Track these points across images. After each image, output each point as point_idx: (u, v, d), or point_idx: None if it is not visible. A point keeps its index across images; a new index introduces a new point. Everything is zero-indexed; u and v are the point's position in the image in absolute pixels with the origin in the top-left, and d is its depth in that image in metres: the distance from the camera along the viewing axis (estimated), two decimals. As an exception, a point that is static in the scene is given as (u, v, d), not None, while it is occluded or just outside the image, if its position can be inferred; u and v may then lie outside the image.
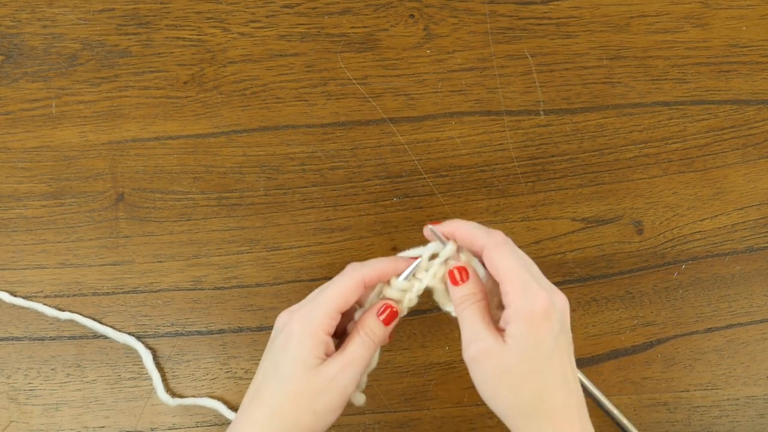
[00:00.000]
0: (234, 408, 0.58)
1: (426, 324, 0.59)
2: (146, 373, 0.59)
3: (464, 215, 0.60)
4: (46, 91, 0.59)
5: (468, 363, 0.45)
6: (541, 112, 0.60)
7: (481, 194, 0.60)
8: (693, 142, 0.61)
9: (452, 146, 0.60)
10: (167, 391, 0.59)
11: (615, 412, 0.58)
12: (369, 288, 0.49)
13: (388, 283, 0.48)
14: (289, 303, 0.59)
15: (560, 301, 0.45)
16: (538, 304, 0.43)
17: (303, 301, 0.48)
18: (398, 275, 0.48)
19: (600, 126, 0.60)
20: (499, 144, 0.60)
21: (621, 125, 0.60)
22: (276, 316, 0.60)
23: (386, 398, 0.60)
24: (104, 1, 0.59)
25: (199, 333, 0.59)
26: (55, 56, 0.59)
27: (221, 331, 0.59)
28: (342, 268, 0.60)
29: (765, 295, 0.61)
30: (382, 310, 0.47)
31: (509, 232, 0.60)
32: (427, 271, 0.48)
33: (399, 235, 0.60)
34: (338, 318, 0.47)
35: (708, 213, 0.61)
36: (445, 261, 0.47)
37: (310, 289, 0.60)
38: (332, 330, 0.47)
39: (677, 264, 0.61)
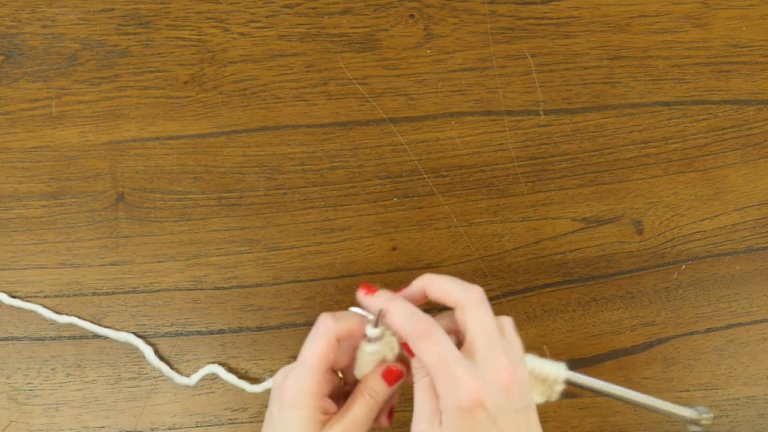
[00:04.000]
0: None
1: (426, 324, 0.59)
2: (146, 373, 0.59)
3: (464, 215, 0.60)
4: (46, 91, 0.59)
5: None
6: (541, 112, 0.60)
7: (481, 194, 0.60)
8: (693, 142, 0.61)
9: (452, 146, 0.60)
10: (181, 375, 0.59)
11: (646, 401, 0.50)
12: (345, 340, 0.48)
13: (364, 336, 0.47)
14: (289, 303, 0.60)
15: (507, 377, 0.43)
16: (464, 399, 0.42)
17: (294, 363, 0.47)
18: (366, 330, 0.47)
19: (600, 126, 0.60)
20: (499, 144, 0.60)
21: (621, 125, 0.60)
22: (276, 316, 0.60)
23: (386, 398, 0.60)
24: (104, 1, 0.59)
25: (199, 333, 0.59)
26: (55, 56, 0.59)
27: (221, 331, 0.59)
28: (342, 268, 0.60)
29: (765, 295, 0.61)
30: (386, 372, 0.47)
31: (509, 233, 0.60)
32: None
33: (399, 235, 0.60)
34: (327, 376, 0.46)
35: (708, 213, 0.61)
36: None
37: (310, 289, 0.60)
38: (326, 390, 0.46)
39: (677, 264, 0.61)
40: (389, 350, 0.47)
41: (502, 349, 0.44)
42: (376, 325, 0.46)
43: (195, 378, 0.58)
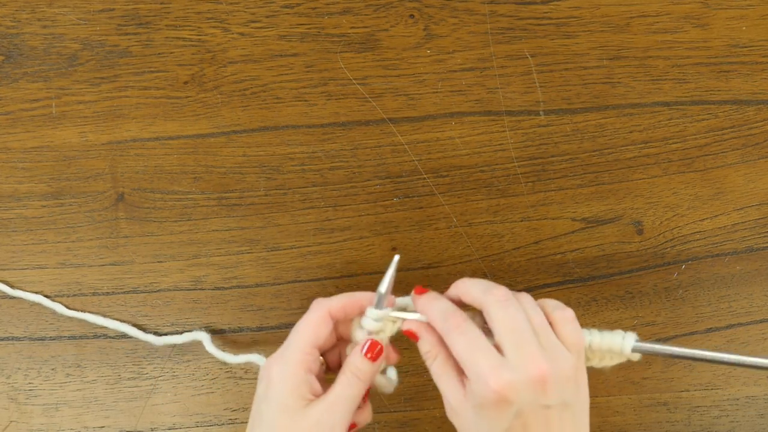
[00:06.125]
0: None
1: (426, 324, 0.59)
2: (146, 373, 0.59)
3: (464, 215, 0.60)
4: (46, 91, 0.59)
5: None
6: (541, 112, 0.60)
7: (481, 194, 0.60)
8: (693, 142, 0.61)
9: (452, 146, 0.60)
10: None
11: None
12: (344, 321, 0.49)
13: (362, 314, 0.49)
14: (289, 303, 0.60)
15: (549, 371, 0.43)
16: (487, 392, 0.42)
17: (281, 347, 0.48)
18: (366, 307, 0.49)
19: (600, 126, 0.60)
20: (499, 144, 0.60)
21: (621, 125, 0.60)
22: (276, 316, 0.60)
23: (386, 398, 0.60)
24: (104, 1, 0.59)
25: (199, 333, 0.59)
26: (55, 56, 0.59)
27: (221, 331, 0.59)
28: (342, 268, 0.60)
29: (765, 295, 0.61)
30: (367, 347, 0.47)
31: (509, 233, 0.60)
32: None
33: (399, 235, 0.60)
34: (314, 353, 0.47)
35: (708, 213, 0.61)
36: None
37: (310, 289, 0.60)
38: (313, 367, 0.47)
39: (677, 264, 0.61)
40: (383, 331, 0.48)
41: (534, 345, 0.43)
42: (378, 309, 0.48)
43: (179, 339, 0.58)
